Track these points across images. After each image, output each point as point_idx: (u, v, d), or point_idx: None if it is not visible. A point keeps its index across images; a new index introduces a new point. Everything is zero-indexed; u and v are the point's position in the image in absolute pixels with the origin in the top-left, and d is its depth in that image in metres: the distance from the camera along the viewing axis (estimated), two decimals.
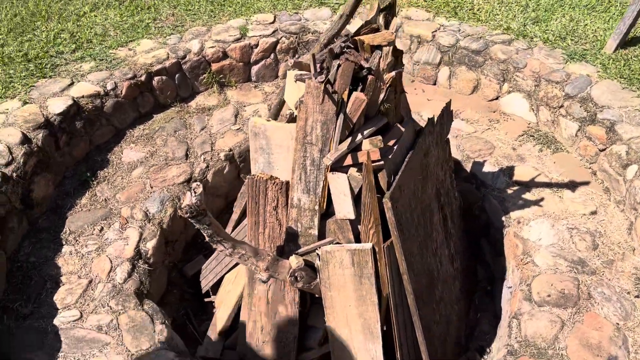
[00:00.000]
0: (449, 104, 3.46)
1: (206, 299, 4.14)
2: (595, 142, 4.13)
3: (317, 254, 2.79)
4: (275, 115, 3.58)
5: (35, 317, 3.35)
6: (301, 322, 3.33)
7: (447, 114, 3.42)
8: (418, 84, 5.36)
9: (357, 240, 2.85)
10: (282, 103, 3.52)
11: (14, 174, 3.80)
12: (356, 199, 2.70)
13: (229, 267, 3.85)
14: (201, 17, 5.66)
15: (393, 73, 2.46)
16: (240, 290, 3.39)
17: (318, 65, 2.39)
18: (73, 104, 4.39)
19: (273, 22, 5.47)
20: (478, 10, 5.52)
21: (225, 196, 4.68)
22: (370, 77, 2.47)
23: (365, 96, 2.45)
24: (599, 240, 3.67)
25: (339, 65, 2.39)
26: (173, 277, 4.26)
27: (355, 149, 2.61)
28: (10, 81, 4.59)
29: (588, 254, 3.59)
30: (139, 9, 5.83)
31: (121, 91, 4.67)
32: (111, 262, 3.67)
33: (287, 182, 2.70)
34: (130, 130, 4.81)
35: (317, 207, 2.69)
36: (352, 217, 2.70)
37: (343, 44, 2.43)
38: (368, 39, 2.40)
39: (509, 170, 4.31)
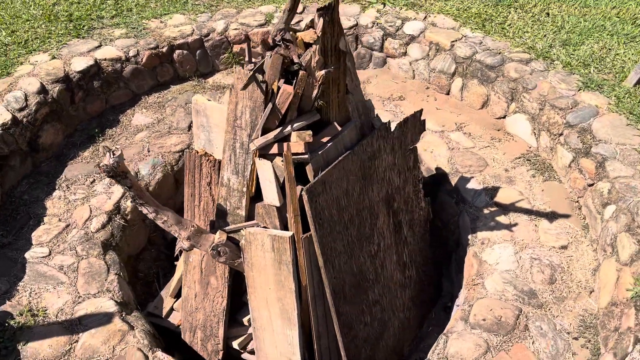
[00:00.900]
0: (418, 113, 3.46)
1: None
2: (585, 176, 3.95)
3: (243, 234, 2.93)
4: None
5: (12, 247, 3.74)
6: (237, 297, 3.50)
7: (413, 123, 3.42)
8: (432, 92, 5.31)
9: (287, 227, 2.97)
10: None
11: (25, 119, 4.22)
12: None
13: None
14: None
15: (323, 72, 2.53)
16: None
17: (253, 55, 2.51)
18: (94, 64, 4.77)
19: (301, 12, 5.61)
20: (509, 25, 5.36)
21: None
22: (301, 72, 2.56)
23: (293, 89, 2.55)
24: (559, 276, 3.55)
25: (270, 57, 2.51)
26: (153, 237, 4.56)
27: (284, 139, 2.72)
28: (48, 37, 5.06)
29: (542, 286, 3.48)
30: None
31: (142, 59, 5.01)
32: (91, 211, 4.01)
33: (220, 161, 2.86)
34: (146, 96, 5.14)
35: (244, 189, 2.83)
36: (277, 204, 2.82)
37: (280, 38, 2.54)
38: (300, 35, 2.49)
39: (493, 191, 4.21)
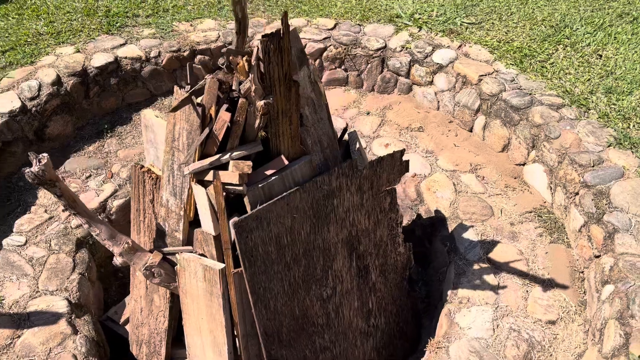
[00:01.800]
0: (398, 153, 3.17)
1: None
2: (592, 245, 3.49)
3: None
4: None
5: None
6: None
7: (391, 163, 3.15)
8: (454, 126, 4.95)
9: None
10: None
11: (34, 109, 4.36)
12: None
13: None
14: (272, 10, 5.83)
15: (262, 102, 2.35)
16: None
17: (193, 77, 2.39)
18: (113, 61, 4.87)
19: (332, 29, 5.43)
20: (550, 64, 4.88)
21: None
22: (241, 100, 2.40)
23: (228, 116, 2.39)
24: (535, 354, 3.14)
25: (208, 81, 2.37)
26: None
27: (222, 167, 2.57)
28: (80, 30, 5.23)
29: None
30: None
31: (162, 60, 5.05)
32: None
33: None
34: (163, 98, 5.18)
35: (182, 213, 2.71)
36: (213, 233, 2.67)
37: (224, 62, 2.40)
38: (240, 61, 2.33)
39: (490, 245, 3.83)
